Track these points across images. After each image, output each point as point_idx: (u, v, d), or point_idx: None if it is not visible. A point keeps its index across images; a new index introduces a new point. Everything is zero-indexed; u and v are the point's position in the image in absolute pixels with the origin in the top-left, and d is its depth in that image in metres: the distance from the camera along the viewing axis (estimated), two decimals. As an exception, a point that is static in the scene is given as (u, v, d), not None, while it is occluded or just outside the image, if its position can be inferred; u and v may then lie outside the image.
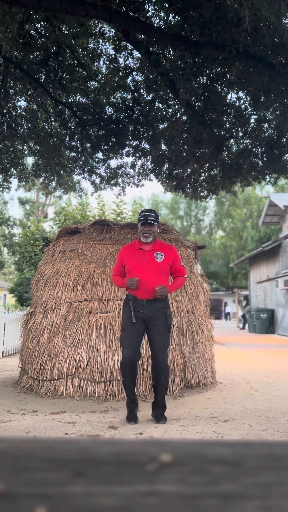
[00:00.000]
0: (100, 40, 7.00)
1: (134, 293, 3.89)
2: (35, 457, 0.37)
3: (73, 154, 8.71)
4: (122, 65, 7.18)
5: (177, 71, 5.93)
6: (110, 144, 8.04)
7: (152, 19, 5.99)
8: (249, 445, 0.40)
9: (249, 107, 7.23)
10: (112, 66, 7.17)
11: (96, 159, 8.64)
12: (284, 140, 7.62)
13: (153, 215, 3.98)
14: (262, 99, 6.43)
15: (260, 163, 8.14)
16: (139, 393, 4.77)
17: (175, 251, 4.09)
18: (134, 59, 7.04)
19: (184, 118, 7.53)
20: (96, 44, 7.07)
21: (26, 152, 8.76)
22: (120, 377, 4.67)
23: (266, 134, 7.71)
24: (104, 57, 7.22)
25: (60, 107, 7.79)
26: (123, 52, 7.00)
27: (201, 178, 9.10)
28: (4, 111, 7.59)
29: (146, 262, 3.93)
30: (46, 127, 8.21)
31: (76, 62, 7.22)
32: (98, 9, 4.77)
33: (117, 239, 5.67)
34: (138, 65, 7.00)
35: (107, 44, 7.12)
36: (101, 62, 7.39)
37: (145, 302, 3.86)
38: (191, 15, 4.97)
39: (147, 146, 8.19)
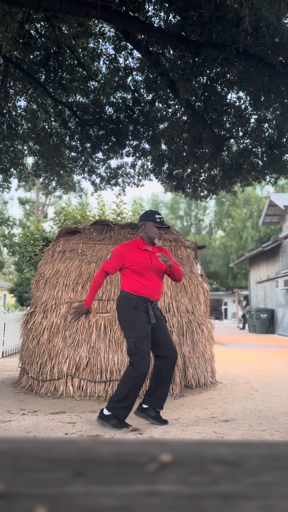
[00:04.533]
0: (100, 40, 7.01)
1: (146, 295, 3.78)
2: (35, 457, 0.37)
3: (73, 154, 8.71)
4: (122, 65, 7.18)
5: (177, 71, 5.93)
6: (110, 144, 8.04)
7: (152, 19, 5.99)
8: (249, 445, 0.40)
9: (249, 107, 7.24)
10: (112, 66, 7.17)
11: (96, 159, 8.64)
12: (284, 140, 7.62)
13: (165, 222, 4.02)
14: (262, 99, 6.43)
15: (260, 163, 8.15)
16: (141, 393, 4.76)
17: (167, 251, 4.12)
18: (134, 59, 7.04)
19: (184, 118, 7.53)
20: (96, 44, 7.08)
21: (26, 152, 8.76)
22: (120, 377, 4.66)
23: (266, 134, 7.72)
24: (104, 57, 7.23)
25: (60, 107, 7.80)
26: (123, 52, 7.00)
27: (201, 178, 9.10)
28: (4, 111, 7.59)
29: (154, 263, 3.86)
30: (46, 127, 8.21)
31: (76, 62, 7.22)
32: (98, 9, 4.77)
33: (117, 239, 5.67)
34: (138, 65, 7.00)
35: (107, 44, 7.13)
36: (101, 62, 7.40)
37: (154, 304, 3.87)
38: (191, 15, 4.97)
39: (147, 146, 8.19)
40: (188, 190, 9.29)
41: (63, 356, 4.98)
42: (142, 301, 3.74)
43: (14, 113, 7.95)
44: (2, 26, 5.21)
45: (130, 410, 3.68)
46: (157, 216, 3.90)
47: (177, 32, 5.46)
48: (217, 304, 32.47)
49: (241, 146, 8.16)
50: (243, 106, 7.26)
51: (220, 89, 6.91)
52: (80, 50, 7.19)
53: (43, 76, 7.24)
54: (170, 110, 7.69)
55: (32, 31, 6.53)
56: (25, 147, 8.67)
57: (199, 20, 4.78)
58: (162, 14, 5.78)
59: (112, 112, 7.79)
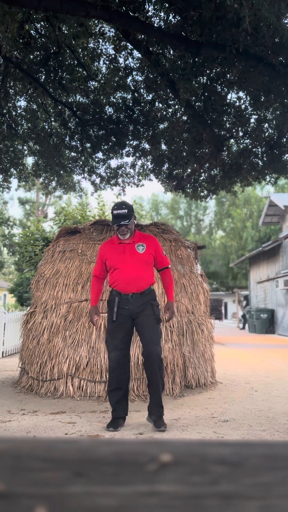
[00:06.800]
0: (100, 40, 7.00)
1: (118, 288, 3.71)
2: (35, 457, 0.37)
3: (73, 154, 8.71)
4: (122, 65, 7.18)
5: (177, 71, 5.93)
6: (110, 144, 8.04)
7: (152, 19, 5.99)
8: (249, 445, 0.40)
9: (249, 107, 7.24)
10: (112, 66, 7.17)
11: (96, 159, 8.64)
12: (284, 140, 7.62)
13: (125, 210, 3.70)
14: (262, 99, 6.43)
15: (260, 163, 8.15)
16: (139, 393, 4.76)
17: (156, 240, 3.92)
18: (134, 59, 7.04)
19: (184, 118, 7.53)
20: (96, 44, 7.08)
21: (26, 152, 8.76)
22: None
23: (266, 134, 7.71)
24: (104, 57, 7.22)
25: (60, 107, 7.79)
26: (123, 52, 7.00)
27: (201, 178, 9.10)
28: (4, 111, 7.59)
29: (128, 254, 3.75)
30: (46, 127, 8.21)
31: (76, 62, 7.22)
32: (98, 9, 4.77)
33: (117, 239, 5.67)
34: (138, 65, 7.01)
35: (107, 44, 7.13)
36: (101, 62, 7.40)
37: (131, 297, 3.67)
38: (191, 15, 4.97)
39: (147, 146, 8.19)
40: (188, 190, 9.29)
41: (63, 356, 4.98)
42: (114, 295, 3.74)
43: (14, 113, 7.95)
44: (2, 26, 5.21)
45: (114, 404, 3.66)
46: (113, 214, 3.74)
47: (177, 32, 5.46)
48: (217, 304, 32.45)
49: (241, 146, 8.16)
50: (243, 106, 7.26)
51: (220, 89, 6.90)
52: (80, 50, 7.19)
53: (43, 76, 7.23)
54: (170, 110, 7.69)
55: (32, 31, 6.53)
56: (25, 147, 8.67)
57: (199, 20, 4.78)
58: (162, 14, 5.78)
59: (112, 112, 7.79)
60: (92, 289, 3.93)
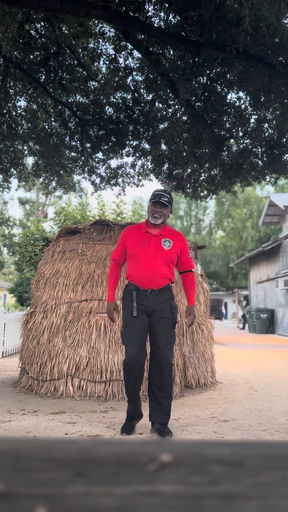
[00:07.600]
0: (100, 40, 7.01)
1: (136, 282, 3.48)
2: (35, 457, 0.37)
3: (73, 154, 8.72)
4: (122, 65, 7.19)
5: (177, 71, 5.93)
6: (110, 144, 8.04)
7: (152, 19, 5.99)
8: (249, 445, 0.40)
9: (249, 107, 7.24)
10: (112, 66, 7.17)
11: (96, 159, 8.65)
12: (284, 140, 7.62)
13: (168, 196, 3.52)
14: (262, 99, 6.43)
15: (260, 163, 8.15)
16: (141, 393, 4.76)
17: (184, 239, 3.66)
18: (134, 59, 7.04)
19: (184, 118, 7.53)
20: (96, 44, 7.08)
21: (26, 152, 8.76)
22: (120, 377, 4.65)
23: (266, 134, 7.72)
24: (104, 57, 7.23)
25: (60, 107, 7.80)
26: (123, 52, 7.00)
27: (201, 178, 9.10)
28: (4, 111, 7.59)
29: (152, 247, 3.49)
30: (46, 127, 8.21)
31: (76, 62, 7.22)
32: (98, 9, 4.77)
33: (117, 239, 5.67)
34: (138, 65, 7.01)
35: (107, 44, 7.13)
36: (101, 62, 7.40)
37: (149, 293, 3.45)
38: (191, 15, 4.97)
39: (147, 146, 8.20)
40: (188, 190, 9.29)
41: (63, 356, 4.98)
42: (132, 289, 3.51)
43: (14, 113, 7.96)
44: (2, 26, 5.21)
45: (132, 403, 3.51)
46: (154, 194, 3.53)
47: (177, 32, 5.46)
48: (217, 304, 32.44)
49: (241, 146, 8.16)
50: (243, 106, 7.26)
51: (220, 89, 6.91)
52: (80, 50, 7.19)
53: (43, 76, 7.24)
54: (170, 110, 7.70)
55: (32, 31, 6.53)
56: (25, 147, 8.68)
57: (199, 20, 4.78)
58: (162, 14, 5.78)
59: (112, 112, 7.80)
60: (110, 277, 3.68)
